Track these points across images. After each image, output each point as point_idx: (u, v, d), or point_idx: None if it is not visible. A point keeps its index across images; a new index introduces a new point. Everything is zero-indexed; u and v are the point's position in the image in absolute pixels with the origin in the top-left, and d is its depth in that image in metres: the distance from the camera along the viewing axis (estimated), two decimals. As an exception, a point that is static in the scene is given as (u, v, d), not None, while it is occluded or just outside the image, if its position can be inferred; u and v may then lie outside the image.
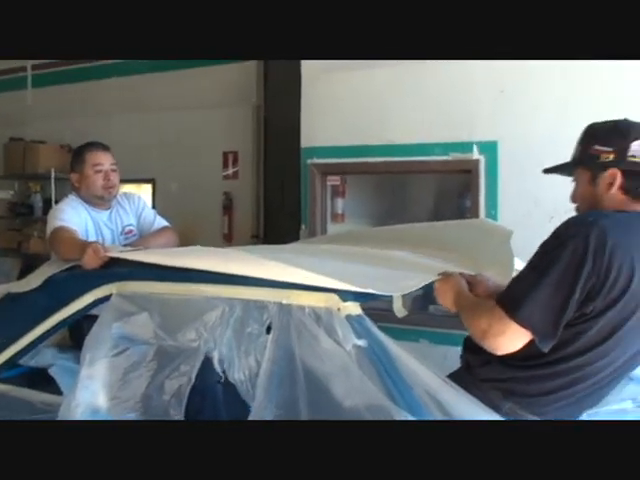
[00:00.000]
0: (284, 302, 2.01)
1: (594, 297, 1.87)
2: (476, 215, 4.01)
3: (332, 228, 4.74)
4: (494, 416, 1.82)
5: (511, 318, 1.87)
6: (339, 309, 1.93)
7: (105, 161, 3.22)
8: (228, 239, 6.29)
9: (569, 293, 1.85)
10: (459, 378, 1.92)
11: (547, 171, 2.28)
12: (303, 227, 4.71)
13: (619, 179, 2.01)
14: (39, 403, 2.45)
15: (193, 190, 6.33)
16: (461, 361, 2.18)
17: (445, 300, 2.21)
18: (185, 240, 6.26)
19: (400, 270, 2.33)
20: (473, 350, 2.04)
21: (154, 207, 6.61)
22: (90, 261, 2.50)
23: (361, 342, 1.86)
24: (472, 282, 2.27)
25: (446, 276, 2.25)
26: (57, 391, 2.70)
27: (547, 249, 1.94)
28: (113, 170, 3.23)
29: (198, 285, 2.20)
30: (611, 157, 2.01)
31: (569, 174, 2.18)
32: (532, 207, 3.87)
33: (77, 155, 3.26)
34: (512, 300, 1.91)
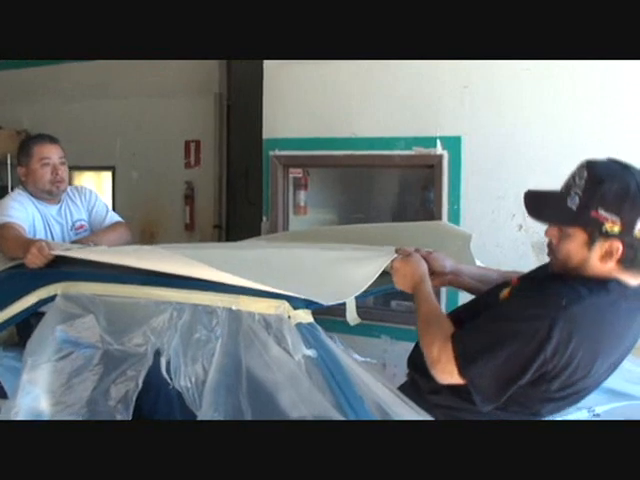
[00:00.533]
0: (233, 308, 1.94)
1: (549, 380, 1.82)
2: (439, 210, 3.97)
3: (294, 220, 4.67)
4: None
5: (458, 370, 1.82)
6: (289, 317, 1.86)
7: (53, 154, 3.09)
8: (190, 229, 6.18)
9: (520, 371, 1.79)
10: (409, 396, 1.86)
11: (531, 211, 1.95)
12: (265, 219, 4.63)
13: (619, 253, 1.80)
14: (-24, 407, 2.34)
15: (154, 179, 6.21)
16: (407, 376, 2.12)
17: (404, 284, 2.12)
18: (146, 230, 6.21)
19: (353, 262, 2.22)
20: (423, 373, 1.96)
21: (114, 196, 6.50)
22: (34, 260, 2.40)
23: (310, 352, 1.79)
24: (428, 259, 2.19)
25: (405, 255, 2.15)
26: (1, 392, 2.61)
27: (514, 315, 1.83)
28: (62, 164, 3.10)
29: (146, 288, 2.11)
30: (616, 229, 1.77)
31: (555, 221, 1.89)
32: (495, 203, 3.83)
33: (24, 148, 3.14)
34: (465, 352, 1.83)
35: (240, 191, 6.17)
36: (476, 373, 1.80)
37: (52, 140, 3.15)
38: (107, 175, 6.60)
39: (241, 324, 1.91)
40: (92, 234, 3.11)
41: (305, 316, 1.87)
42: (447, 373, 1.84)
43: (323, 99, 4.27)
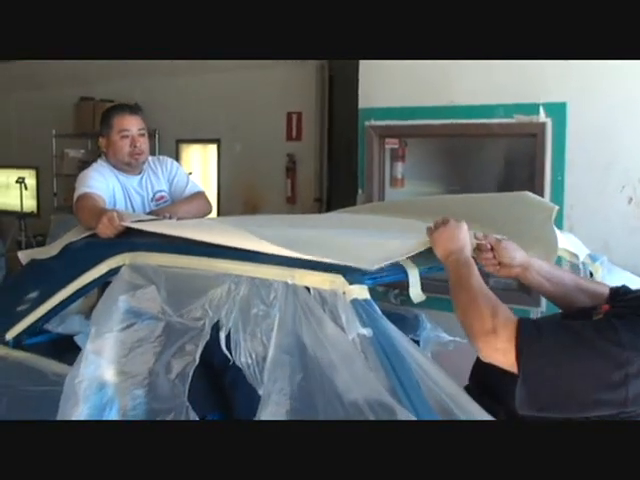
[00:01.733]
0: (289, 282, 1.85)
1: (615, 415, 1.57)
2: (541, 181, 3.72)
3: (391, 193, 4.52)
4: None
5: (517, 354, 1.58)
6: (344, 292, 1.75)
7: (132, 126, 3.03)
8: (291, 202, 6.16)
9: (587, 393, 1.56)
10: None
11: None
12: (360, 192, 4.51)
13: None
14: (51, 374, 2.37)
15: (257, 151, 6.22)
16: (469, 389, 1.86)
17: (442, 249, 1.90)
18: (249, 202, 6.23)
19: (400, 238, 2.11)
20: (484, 390, 1.75)
21: (219, 168, 6.57)
22: (104, 230, 2.40)
23: (365, 331, 1.67)
24: (497, 248, 1.99)
25: (440, 224, 1.95)
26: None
27: (608, 335, 1.58)
28: (141, 135, 3.04)
29: (206, 259, 2.06)
30: None
31: None
32: (602, 175, 3.55)
33: (104, 119, 3.09)
34: (535, 340, 1.59)
35: (342, 164, 6.06)
36: (536, 369, 1.56)
37: (132, 111, 3.10)
38: (212, 148, 6.67)
39: (297, 299, 1.82)
40: (171, 204, 3.08)
41: (361, 292, 1.75)
42: (498, 351, 1.59)
43: (420, 64, 4.07)
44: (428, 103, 4.08)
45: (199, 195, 3.14)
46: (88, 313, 2.99)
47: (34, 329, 2.62)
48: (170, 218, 2.67)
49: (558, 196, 3.62)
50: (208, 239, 2.08)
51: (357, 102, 4.51)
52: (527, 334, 1.59)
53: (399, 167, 4.49)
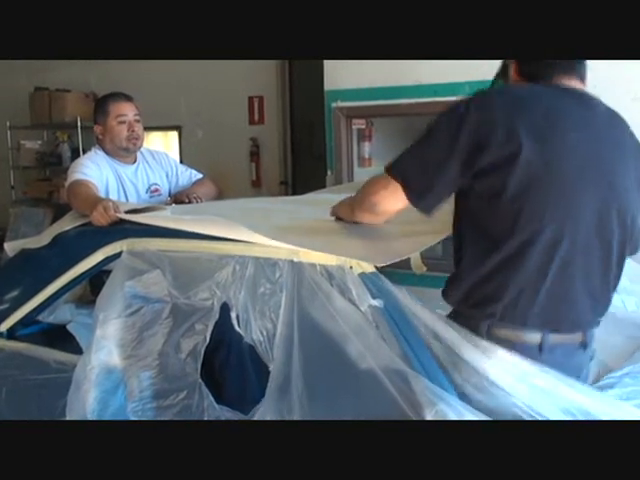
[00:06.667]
0: (295, 260, 1.92)
1: (483, 149, 1.71)
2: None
3: (359, 173, 4.61)
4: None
5: (387, 173, 1.85)
6: (351, 267, 1.84)
7: (129, 111, 3.11)
8: (256, 185, 6.21)
9: (443, 150, 1.76)
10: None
11: None
12: (329, 173, 4.59)
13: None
14: (53, 362, 2.41)
15: (219, 137, 6.24)
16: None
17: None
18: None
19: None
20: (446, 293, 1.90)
21: (181, 154, 6.56)
22: (99, 218, 2.43)
23: (376, 302, 1.77)
24: None
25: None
26: (76, 348, 2.68)
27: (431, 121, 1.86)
28: (137, 121, 3.12)
29: (207, 242, 2.12)
30: None
31: None
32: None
33: (100, 106, 3.16)
34: (392, 161, 1.88)
35: (305, 146, 6.13)
36: (401, 166, 1.84)
37: (127, 98, 3.16)
38: (174, 135, 6.66)
39: (304, 276, 1.90)
40: (189, 188, 3.21)
41: (367, 266, 1.84)
42: (380, 190, 1.88)
43: (385, 46, 4.15)
44: (394, 83, 4.17)
45: (207, 180, 3.37)
46: (77, 302, 3.03)
47: (27, 320, 2.64)
48: (191, 202, 3.00)
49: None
50: (208, 232, 2.12)
51: (322, 84, 4.57)
52: (389, 164, 1.88)
53: (366, 147, 4.58)
